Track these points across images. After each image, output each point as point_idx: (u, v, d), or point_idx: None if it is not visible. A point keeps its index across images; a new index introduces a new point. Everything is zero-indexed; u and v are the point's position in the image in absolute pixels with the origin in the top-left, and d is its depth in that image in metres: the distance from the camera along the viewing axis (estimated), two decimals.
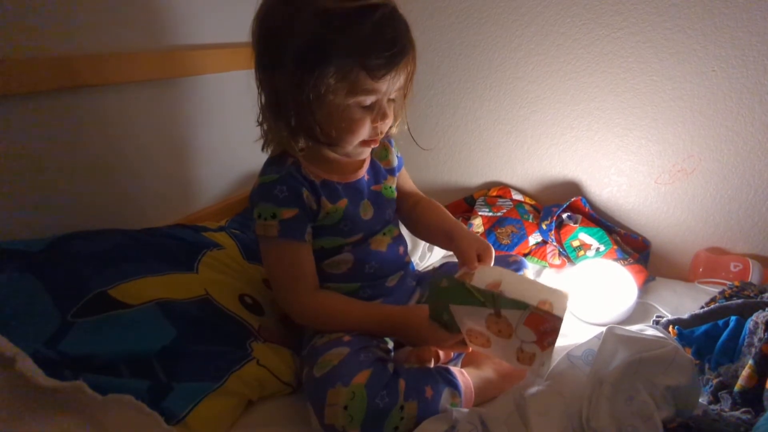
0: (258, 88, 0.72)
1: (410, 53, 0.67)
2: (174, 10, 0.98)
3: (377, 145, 0.75)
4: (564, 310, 0.65)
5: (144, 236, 0.84)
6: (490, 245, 0.78)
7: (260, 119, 0.74)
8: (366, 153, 0.78)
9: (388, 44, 0.64)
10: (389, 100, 0.71)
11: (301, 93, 0.65)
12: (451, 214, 0.88)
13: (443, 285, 0.68)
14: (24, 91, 0.75)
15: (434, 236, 0.87)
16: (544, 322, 0.63)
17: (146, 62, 0.92)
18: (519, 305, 0.63)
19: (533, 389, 0.69)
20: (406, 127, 0.76)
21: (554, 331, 0.63)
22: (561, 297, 0.68)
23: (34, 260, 0.70)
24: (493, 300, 0.65)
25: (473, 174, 1.39)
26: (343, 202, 0.76)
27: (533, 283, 0.74)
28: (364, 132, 0.71)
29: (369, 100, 0.68)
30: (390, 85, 0.68)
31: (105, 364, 0.64)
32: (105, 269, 0.73)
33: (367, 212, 0.80)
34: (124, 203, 0.94)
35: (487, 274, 0.74)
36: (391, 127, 0.77)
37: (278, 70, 0.66)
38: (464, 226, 0.84)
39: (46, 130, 0.80)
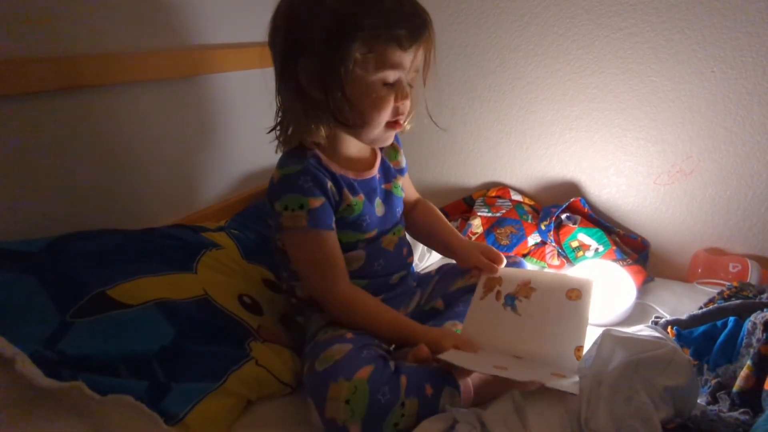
0: (278, 85, 0.73)
1: (431, 28, 0.70)
2: (183, 11, 0.99)
3: (400, 128, 0.77)
4: (590, 300, 0.72)
5: (143, 236, 0.84)
6: (489, 246, 0.84)
7: (278, 116, 0.75)
8: (390, 139, 0.79)
9: (412, 15, 0.68)
10: (407, 84, 0.73)
11: (329, 72, 0.67)
12: (444, 218, 0.93)
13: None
14: (33, 90, 0.75)
15: (432, 242, 0.93)
16: (561, 384, 0.64)
17: (153, 62, 0.93)
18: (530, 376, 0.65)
19: (532, 390, 0.69)
20: (425, 107, 0.78)
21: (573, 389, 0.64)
22: (587, 285, 0.75)
23: (33, 260, 0.70)
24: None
25: (472, 174, 1.39)
26: (361, 197, 0.78)
27: (558, 276, 0.81)
28: (388, 111, 0.72)
29: (393, 76, 0.70)
30: (413, 60, 0.70)
31: (104, 364, 0.64)
32: (104, 269, 0.73)
33: (380, 210, 0.82)
34: (124, 203, 0.94)
35: (514, 276, 0.79)
36: (404, 123, 0.78)
37: (303, 57, 0.67)
38: (459, 234, 0.90)
39: (50, 130, 0.80)
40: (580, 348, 0.71)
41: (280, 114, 0.75)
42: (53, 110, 0.79)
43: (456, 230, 0.90)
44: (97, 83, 0.84)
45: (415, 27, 0.68)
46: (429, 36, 0.70)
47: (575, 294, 0.75)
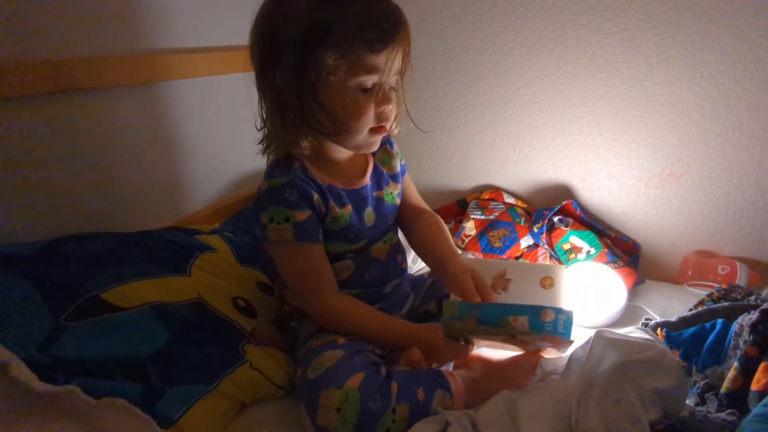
0: (260, 95, 0.72)
1: (405, 28, 0.68)
2: (167, 14, 0.98)
3: (386, 132, 0.75)
4: (563, 285, 0.77)
5: (137, 239, 0.84)
6: (482, 276, 0.77)
7: (262, 126, 0.74)
8: (376, 144, 0.76)
9: (383, 18, 0.66)
10: (390, 88, 0.71)
11: (303, 80, 0.66)
12: (447, 235, 0.86)
13: (457, 326, 0.71)
14: (17, 93, 0.75)
15: (429, 259, 0.86)
16: (558, 339, 0.68)
17: (139, 65, 0.92)
18: (532, 332, 0.68)
19: (524, 391, 0.69)
20: (404, 108, 0.77)
21: (568, 343, 0.69)
22: (559, 270, 0.80)
23: (27, 263, 0.70)
24: (508, 330, 0.69)
25: (466, 177, 1.39)
26: (348, 209, 0.76)
27: (531, 266, 0.86)
28: (369, 117, 0.70)
29: (370, 80, 0.68)
30: (389, 63, 0.68)
31: (98, 368, 0.64)
32: (98, 272, 0.73)
33: (370, 219, 0.80)
34: (118, 207, 0.94)
35: (489, 267, 0.82)
36: (391, 127, 0.76)
37: (279, 67, 0.66)
38: (456, 254, 0.81)
39: (39, 133, 0.80)
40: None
41: (264, 126, 0.74)
42: (39, 113, 0.79)
43: (455, 251, 0.82)
44: (84, 87, 0.83)
45: (387, 29, 0.65)
46: (404, 37, 0.68)
47: (549, 282, 0.80)
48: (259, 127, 0.75)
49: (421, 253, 0.88)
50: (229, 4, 1.11)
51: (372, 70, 0.67)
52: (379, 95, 0.69)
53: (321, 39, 0.63)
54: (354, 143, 0.74)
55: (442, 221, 0.89)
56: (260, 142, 0.76)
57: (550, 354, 0.75)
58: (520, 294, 0.81)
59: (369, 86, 0.68)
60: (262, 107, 0.73)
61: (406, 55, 0.70)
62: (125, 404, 0.55)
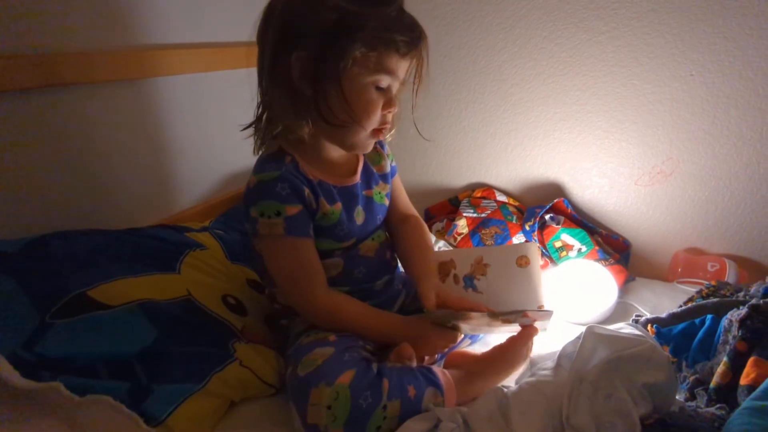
0: (265, 80, 0.72)
1: (427, 42, 0.72)
2: (157, 9, 0.97)
3: (382, 137, 0.77)
4: (539, 261, 0.82)
5: (125, 236, 0.83)
6: (448, 293, 0.78)
7: (262, 111, 0.74)
8: (371, 146, 0.78)
9: (411, 26, 0.70)
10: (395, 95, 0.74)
11: (326, 67, 0.67)
12: (426, 248, 0.86)
13: (440, 314, 0.74)
14: (4, 88, 0.73)
15: (406, 272, 0.88)
16: (539, 313, 0.72)
17: (128, 61, 0.91)
18: (513, 313, 0.71)
19: (515, 388, 0.70)
20: (411, 115, 0.80)
21: (548, 313, 0.73)
22: (532, 248, 0.83)
23: (11, 261, 0.69)
24: (490, 316, 0.72)
25: (458, 175, 1.40)
26: (338, 206, 0.76)
27: (505, 248, 0.91)
28: (377, 116, 0.72)
29: (385, 81, 0.70)
30: (408, 69, 0.72)
31: (84, 366, 0.63)
32: (84, 270, 0.72)
33: (359, 217, 0.80)
34: (106, 203, 0.93)
35: (466, 256, 0.83)
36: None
37: (298, 51, 0.67)
38: (428, 275, 0.81)
39: (26, 128, 0.78)
40: (541, 307, 0.81)
41: (261, 110, 0.74)
42: (24, 109, 0.77)
43: (428, 271, 0.82)
44: (71, 82, 0.82)
45: (413, 37, 0.69)
46: (425, 49, 0.71)
47: (524, 261, 0.83)
48: (255, 114, 0.74)
49: (402, 264, 0.89)
50: (222, 2, 1.10)
51: (391, 71, 0.69)
52: (388, 98, 0.72)
53: (353, 31, 0.65)
54: (352, 141, 0.74)
55: (426, 229, 0.91)
56: (249, 126, 0.75)
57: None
58: (498, 277, 0.84)
59: (383, 87, 0.70)
60: (264, 90, 0.73)
61: (420, 68, 0.74)
62: (110, 401, 0.54)
